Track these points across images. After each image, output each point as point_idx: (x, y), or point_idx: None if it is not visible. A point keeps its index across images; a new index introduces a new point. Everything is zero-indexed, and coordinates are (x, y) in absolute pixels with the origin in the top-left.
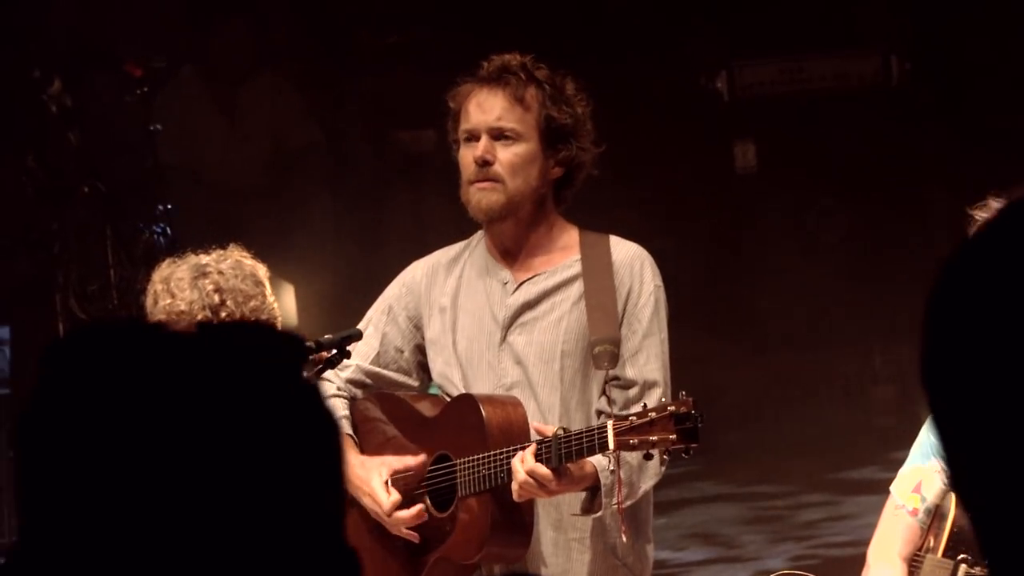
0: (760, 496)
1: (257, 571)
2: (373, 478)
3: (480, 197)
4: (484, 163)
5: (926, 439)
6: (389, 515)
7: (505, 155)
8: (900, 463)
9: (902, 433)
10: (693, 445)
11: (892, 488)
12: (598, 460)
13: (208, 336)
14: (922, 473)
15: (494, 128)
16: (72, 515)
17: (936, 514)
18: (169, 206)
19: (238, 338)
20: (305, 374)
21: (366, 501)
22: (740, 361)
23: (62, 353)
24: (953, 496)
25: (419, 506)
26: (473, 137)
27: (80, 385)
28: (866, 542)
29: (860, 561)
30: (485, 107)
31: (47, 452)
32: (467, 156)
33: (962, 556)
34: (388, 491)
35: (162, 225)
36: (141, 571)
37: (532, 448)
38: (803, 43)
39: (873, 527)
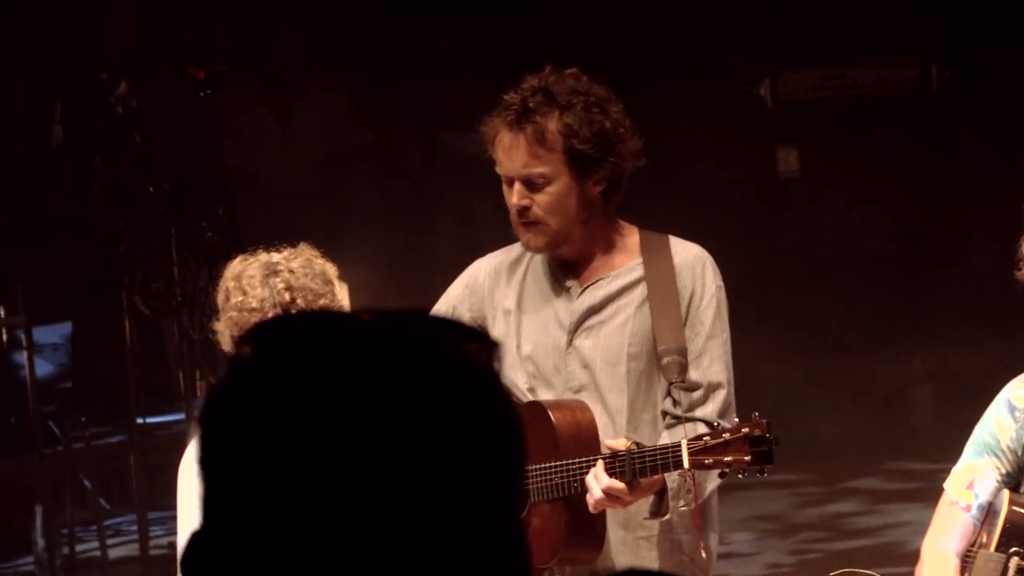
0: (800, 489)
1: (437, 560)
2: None
3: (528, 239)
4: (523, 208)
5: (979, 437)
6: None
7: (540, 198)
8: (938, 461)
9: (940, 432)
10: (768, 466)
11: (946, 485)
12: None
13: (393, 325)
14: (976, 470)
15: (522, 175)
16: (255, 499)
17: (989, 510)
18: (230, 206)
19: (425, 329)
20: (494, 366)
21: None
22: (782, 361)
23: (252, 341)
24: (1006, 493)
25: None
26: (509, 182)
27: (266, 371)
28: (906, 536)
29: (900, 555)
30: (511, 154)
31: (233, 436)
32: (508, 197)
33: (1014, 550)
34: None
35: (224, 224)
36: (321, 556)
37: (603, 464)
38: (845, 51)
39: (911, 523)
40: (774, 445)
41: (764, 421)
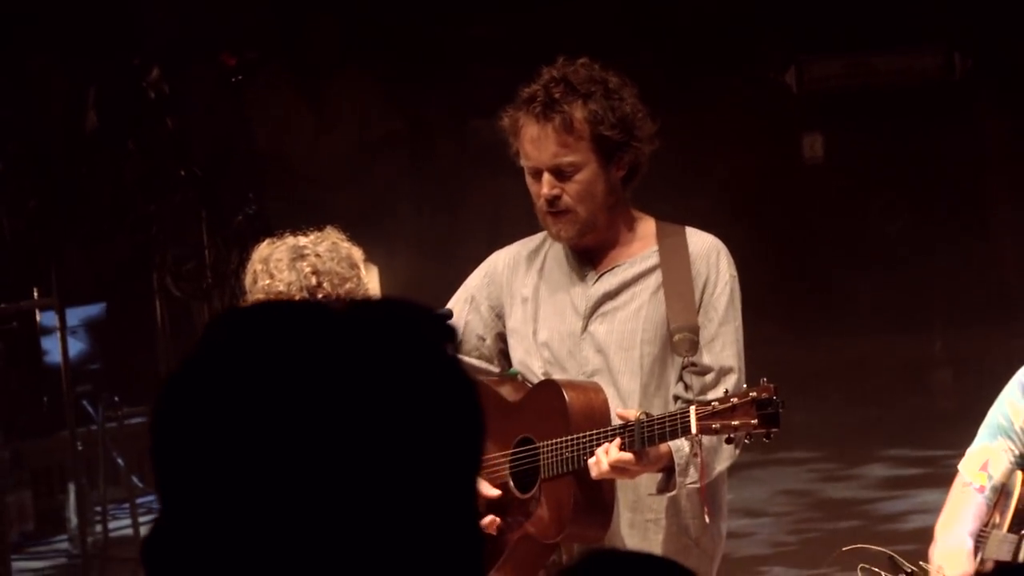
0: (825, 474)
1: (391, 547)
2: None
3: (557, 229)
4: (554, 198)
5: (993, 419)
6: None
7: (571, 187)
8: (959, 444)
9: (961, 415)
10: (774, 430)
11: (960, 466)
12: (673, 441)
13: (361, 313)
14: (989, 452)
15: (552, 165)
16: (214, 486)
17: (1002, 492)
18: (261, 190)
19: (387, 315)
20: (455, 353)
21: None
22: (805, 344)
23: (217, 327)
24: (1019, 474)
25: (489, 518)
26: (536, 173)
27: (231, 357)
28: (926, 518)
29: (920, 537)
30: (540, 145)
31: (189, 425)
32: (535, 189)
33: None
34: None
35: (254, 208)
36: (279, 544)
37: (617, 442)
38: (869, 39)
39: (932, 505)
40: (780, 408)
41: (771, 385)
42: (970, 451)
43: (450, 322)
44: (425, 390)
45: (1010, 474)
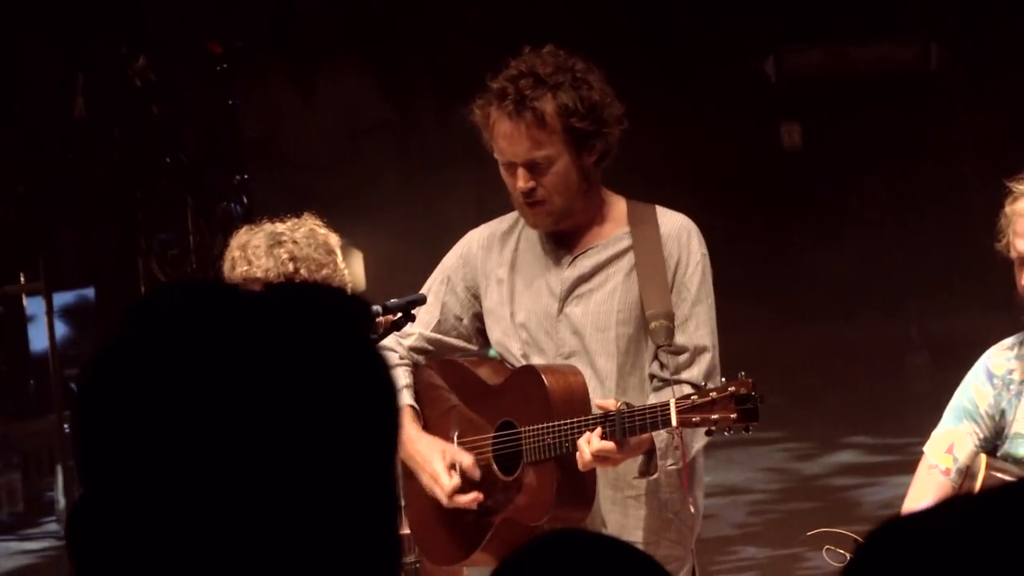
0: (798, 457)
1: (304, 534)
2: (436, 460)
3: (535, 220)
4: (529, 191)
5: (959, 403)
6: (449, 498)
7: (545, 179)
8: (932, 429)
9: (936, 399)
10: (753, 424)
11: (926, 449)
12: None
13: (275, 296)
14: (954, 435)
15: (527, 161)
16: (132, 469)
17: (967, 474)
18: (246, 176)
19: (303, 298)
20: (369, 335)
21: (425, 479)
22: (783, 329)
23: (137, 310)
24: (983, 457)
25: (474, 494)
26: (510, 167)
27: (148, 339)
28: (895, 502)
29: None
30: (513, 142)
31: (111, 404)
32: (510, 181)
33: None
34: (450, 475)
35: (239, 194)
36: (193, 522)
37: (599, 431)
38: (848, 29)
39: (907, 489)
40: (759, 403)
41: (750, 380)
42: (935, 434)
43: (368, 305)
44: (336, 370)
45: (975, 457)
